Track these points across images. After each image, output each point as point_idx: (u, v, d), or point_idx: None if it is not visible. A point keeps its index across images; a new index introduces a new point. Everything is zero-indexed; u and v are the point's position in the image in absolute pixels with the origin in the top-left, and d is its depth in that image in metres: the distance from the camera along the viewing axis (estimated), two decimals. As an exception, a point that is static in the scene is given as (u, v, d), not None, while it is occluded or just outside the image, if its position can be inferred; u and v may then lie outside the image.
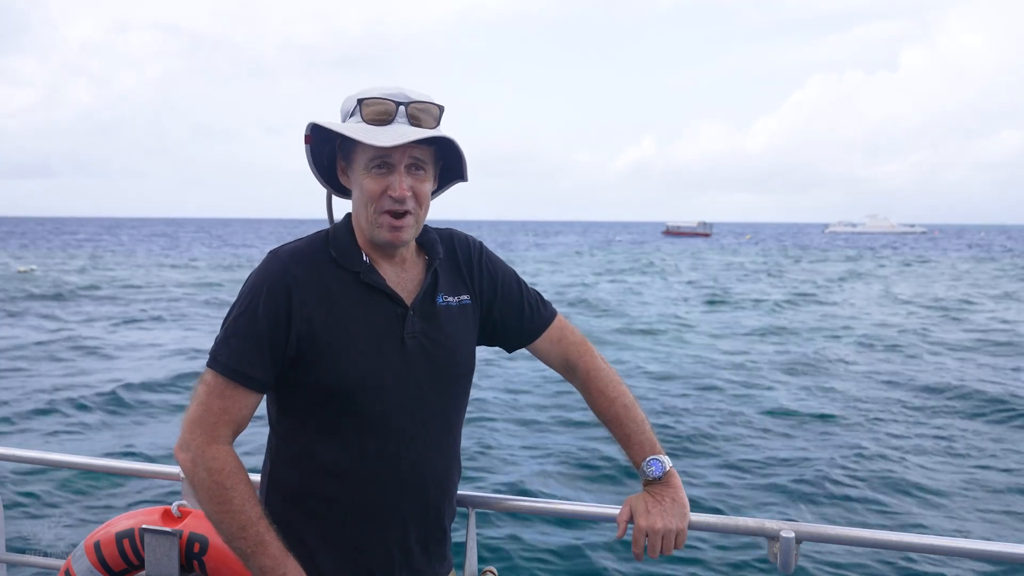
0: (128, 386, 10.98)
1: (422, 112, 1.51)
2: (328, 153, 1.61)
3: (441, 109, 1.55)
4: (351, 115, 1.54)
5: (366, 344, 1.51)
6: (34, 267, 35.38)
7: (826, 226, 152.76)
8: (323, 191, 1.68)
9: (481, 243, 1.74)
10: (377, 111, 1.50)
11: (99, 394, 10.50)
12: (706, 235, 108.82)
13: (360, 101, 1.51)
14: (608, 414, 1.69)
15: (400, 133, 1.47)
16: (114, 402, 10.20)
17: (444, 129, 1.55)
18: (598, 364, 1.74)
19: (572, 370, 1.75)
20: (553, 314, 1.77)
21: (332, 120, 1.57)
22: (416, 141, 1.48)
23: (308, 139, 1.57)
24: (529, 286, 1.77)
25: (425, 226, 1.65)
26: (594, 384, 1.72)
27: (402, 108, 1.50)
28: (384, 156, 1.49)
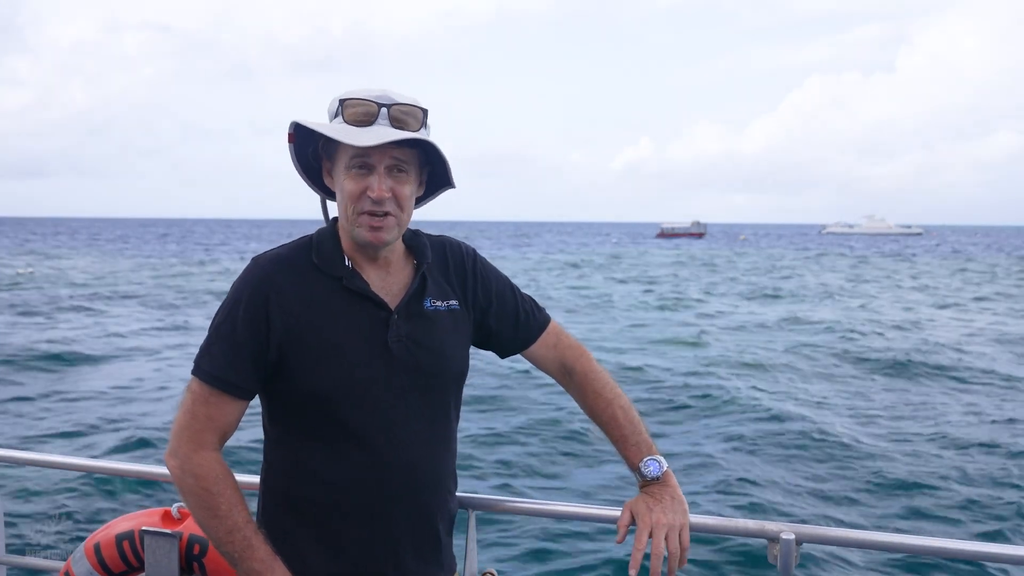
0: None
1: (405, 114, 1.50)
2: (313, 153, 1.60)
3: (425, 112, 1.53)
4: (335, 116, 1.53)
5: (349, 350, 1.50)
6: (32, 269, 35.19)
7: (823, 227, 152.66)
8: (314, 193, 1.67)
9: (474, 250, 1.73)
10: (358, 112, 1.49)
11: None
12: (700, 235, 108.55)
13: (342, 102, 1.51)
14: (605, 415, 1.69)
15: (380, 134, 1.46)
16: None
17: (427, 132, 1.54)
18: (595, 367, 1.74)
19: (569, 373, 1.75)
20: (547, 319, 1.77)
21: (319, 120, 1.56)
22: (397, 143, 1.47)
23: (291, 138, 1.56)
24: (523, 292, 1.77)
25: (416, 231, 1.65)
26: (591, 386, 1.72)
27: (384, 110, 1.49)
28: (364, 156, 1.48)
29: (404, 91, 1.55)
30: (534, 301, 1.78)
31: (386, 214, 1.50)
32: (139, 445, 8.43)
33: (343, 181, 1.51)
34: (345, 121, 1.50)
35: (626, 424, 1.67)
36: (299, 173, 1.62)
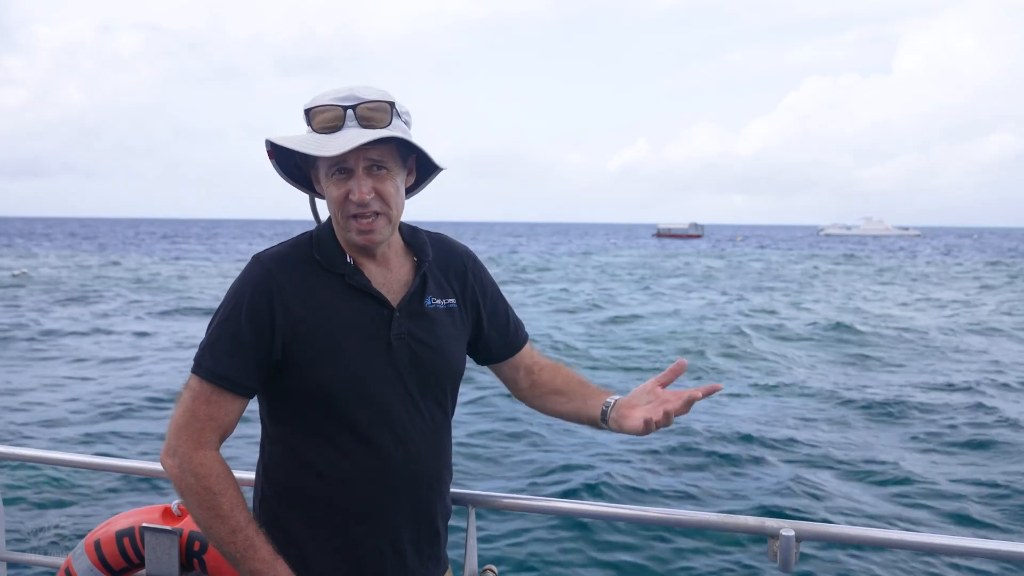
0: None
1: (373, 111, 1.48)
2: (301, 160, 1.59)
3: (392, 105, 1.50)
4: (306, 125, 1.52)
5: (351, 346, 1.50)
6: (25, 270, 35.04)
7: (820, 228, 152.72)
8: (303, 194, 1.66)
9: (473, 253, 1.74)
10: (325, 119, 1.47)
11: None
12: (698, 236, 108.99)
13: (307, 111, 1.50)
14: (560, 382, 1.74)
15: (349, 138, 1.44)
16: None
17: (398, 126, 1.51)
18: (552, 361, 1.80)
19: (535, 386, 1.77)
20: (527, 337, 1.80)
21: (299, 129, 1.55)
22: (370, 142, 1.45)
23: (271, 154, 1.56)
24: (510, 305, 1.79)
25: (415, 228, 1.65)
26: (545, 372, 1.77)
27: (350, 112, 1.47)
28: (341, 162, 1.47)
29: (374, 85, 1.52)
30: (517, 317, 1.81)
31: (375, 214, 1.50)
32: (141, 441, 8.43)
33: (327, 188, 1.51)
34: (314, 130, 1.48)
35: (586, 383, 1.72)
36: (288, 182, 1.62)
